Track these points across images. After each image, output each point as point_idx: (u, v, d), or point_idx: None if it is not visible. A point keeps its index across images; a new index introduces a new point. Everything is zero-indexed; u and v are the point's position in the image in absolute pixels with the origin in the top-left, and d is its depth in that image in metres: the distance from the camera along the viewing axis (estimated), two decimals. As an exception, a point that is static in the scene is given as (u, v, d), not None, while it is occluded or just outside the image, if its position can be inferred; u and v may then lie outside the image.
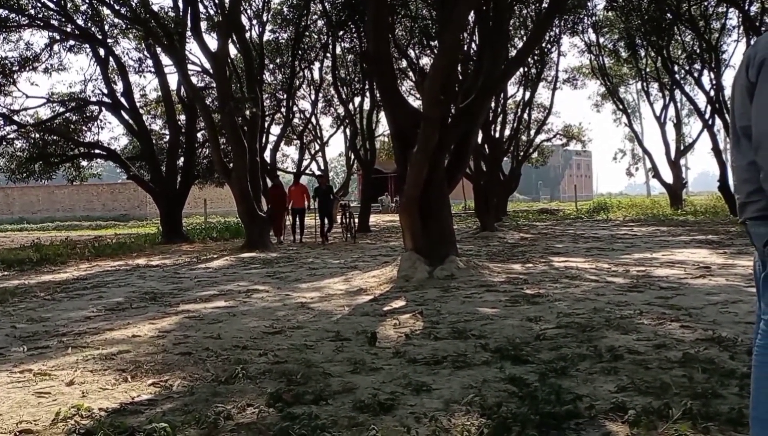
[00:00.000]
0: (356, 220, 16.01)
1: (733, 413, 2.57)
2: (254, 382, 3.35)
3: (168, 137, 19.25)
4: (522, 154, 26.08)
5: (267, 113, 21.96)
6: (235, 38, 15.23)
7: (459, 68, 15.50)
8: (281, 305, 6.09)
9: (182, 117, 19.35)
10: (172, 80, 18.67)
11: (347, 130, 26.31)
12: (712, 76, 21.55)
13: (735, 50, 31.96)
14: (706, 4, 20.40)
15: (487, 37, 10.72)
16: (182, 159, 18.84)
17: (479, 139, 18.11)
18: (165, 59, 17.33)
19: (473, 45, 16.39)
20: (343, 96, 21.74)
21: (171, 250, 14.15)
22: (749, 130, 1.93)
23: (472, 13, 12.88)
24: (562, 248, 11.00)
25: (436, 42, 16.32)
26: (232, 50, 17.28)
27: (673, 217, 20.51)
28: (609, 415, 2.69)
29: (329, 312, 5.56)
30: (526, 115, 24.71)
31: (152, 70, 18.94)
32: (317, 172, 24.47)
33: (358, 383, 3.27)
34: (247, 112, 13.94)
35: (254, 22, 20.08)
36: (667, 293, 5.77)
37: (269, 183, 17.38)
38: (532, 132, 26.78)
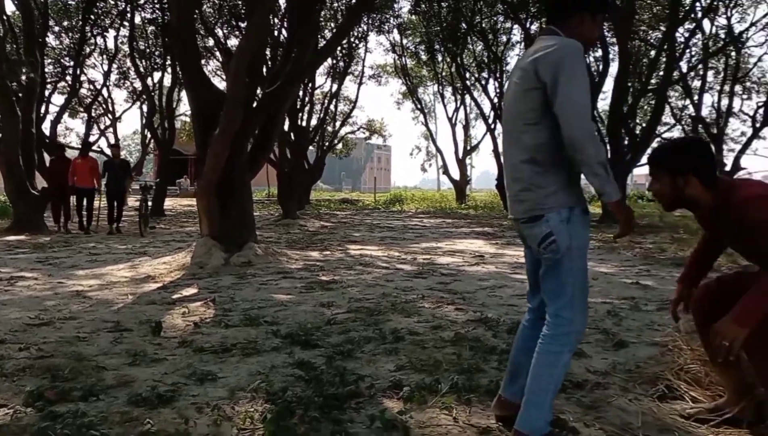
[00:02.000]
0: (150, 203, 13.11)
1: (491, 385, 2.88)
2: (11, 380, 2.96)
3: None
4: (327, 144, 26.56)
5: (48, 80, 19.46)
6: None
7: (268, 53, 15.28)
8: (52, 293, 5.46)
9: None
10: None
11: (144, 107, 24.39)
12: (497, 84, 23.98)
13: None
14: (495, 18, 22.57)
15: (297, 24, 10.69)
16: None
17: (286, 127, 18.06)
18: None
19: (283, 31, 16.23)
20: (141, 69, 20.10)
21: None
22: (530, 129, 2.14)
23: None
24: (359, 237, 11.44)
25: (245, 23, 15.83)
26: (9, 6, 15.02)
27: (458, 210, 22.48)
28: (387, 392, 2.85)
29: (109, 301, 5.12)
30: (332, 107, 25.21)
31: None
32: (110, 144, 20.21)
33: (137, 375, 3.07)
34: (24, 78, 12.24)
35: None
36: (446, 278, 6.30)
37: (47, 159, 15.21)
38: (338, 124, 27.42)
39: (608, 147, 16.14)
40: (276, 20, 16.08)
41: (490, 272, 6.81)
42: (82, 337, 3.84)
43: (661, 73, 16.60)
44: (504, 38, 24.02)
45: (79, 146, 14.07)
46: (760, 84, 23.83)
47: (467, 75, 25.21)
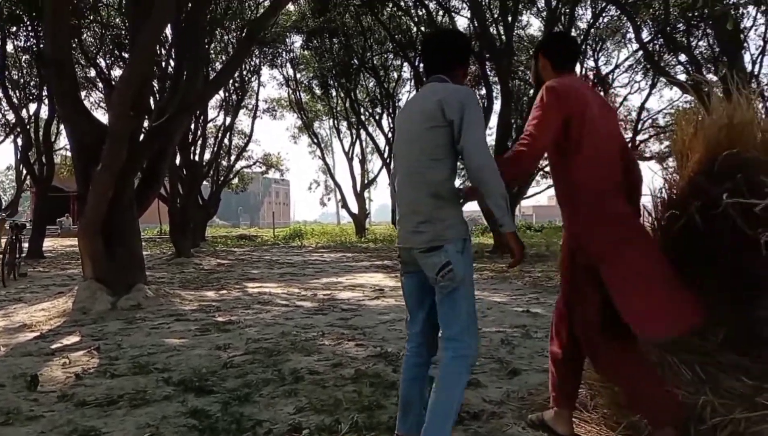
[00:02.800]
0: (21, 245, 11.12)
1: (391, 422, 2.88)
2: None
3: None
4: (222, 179, 25.94)
5: None
6: None
7: (156, 85, 14.79)
8: None
9: None
10: None
11: (18, 140, 22.64)
12: (390, 120, 24.65)
13: (408, 99, 37.16)
14: (386, 56, 23.31)
15: (185, 55, 10.43)
16: None
17: (177, 161, 17.45)
18: None
19: (171, 62, 15.81)
20: (15, 100, 18.73)
21: None
22: (435, 165, 2.31)
23: (170, 29, 12.44)
24: (258, 274, 11.20)
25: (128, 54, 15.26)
26: None
27: (358, 244, 22.63)
28: (286, 436, 2.79)
29: (-23, 355, 4.65)
30: (226, 141, 24.71)
31: None
32: None
33: (10, 435, 2.80)
34: None
35: None
36: (347, 314, 6.29)
37: None
38: (233, 157, 26.89)
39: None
40: (163, 51, 15.66)
41: (390, 306, 6.88)
42: (-58, 398, 3.45)
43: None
44: (395, 75, 24.81)
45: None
46: (627, 121, 26.18)
47: (361, 110, 25.72)
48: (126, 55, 16.08)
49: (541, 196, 59.07)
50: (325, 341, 4.88)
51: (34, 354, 4.64)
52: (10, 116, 21.28)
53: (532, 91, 18.87)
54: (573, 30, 18.77)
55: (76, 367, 4.17)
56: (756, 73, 16.06)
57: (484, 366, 4.00)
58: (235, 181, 29.93)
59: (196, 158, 20.35)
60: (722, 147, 2.75)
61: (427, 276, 2.33)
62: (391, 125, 24.41)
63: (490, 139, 21.39)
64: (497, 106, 17.94)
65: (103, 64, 18.11)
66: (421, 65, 15.80)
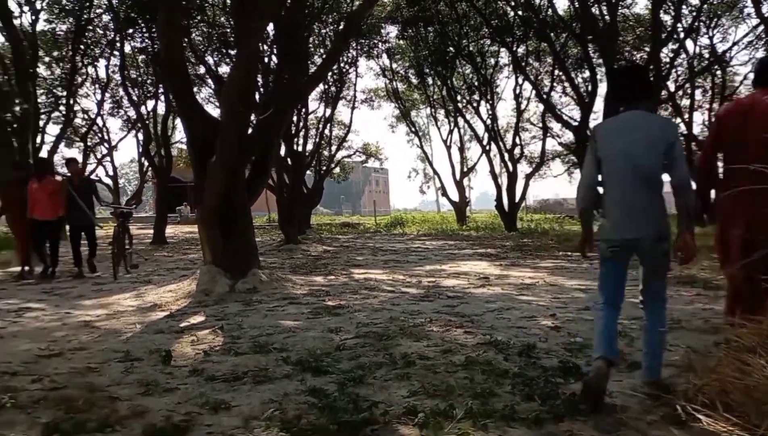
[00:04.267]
0: (131, 234, 10.22)
1: (507, 410, 2.88)
2: (25, 411, 2.95)
3: None
4: (324, 168, 26.67)
5: (42, 111, 19.59)
6: (0, 24, 13.41)
7: (260, 79, 15.41)
8: (60, 324, 5.45)
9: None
10: None
11: (140, 135, 24.51)
12: (488, 106, 24.19)
13: (506, 85, 36.18)
14: (482, 42, 22.86)
15: (287, 51, 10.82)
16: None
17: (282, 152, 18.15)
18: None
19: (273, 58, 16.39)
20: (134, 98, 20.24)
21: None
22: (658, 176, 3.08)
23: (271, 26, 12.90)
24: (363, 261, 11.44)
25: (234, 51, 16.00)
26: (-1, 38, 15.18)
27: (459, 232, 22.48)
28: (401, 419, 2.84)
29: (118, 331, 5.11)
30: (327, 131, 25.34)
31: None
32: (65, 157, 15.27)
33: (151, 405, 3.06)
34: (17, 109, 12.32)
35: (25, 8, 17.59)
36: (453, 301, 6.30)
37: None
38: (334, 148, 27.55)
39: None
40: (266, 47, 16.26)
41: (497, 294, 6.81)
42: (93, 368, 3.83)
43: (649, 91, 16.78)
44: (492, 61, 24.29)
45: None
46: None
47: (458, 97, 25.43)
48: (232, 52, 16.91)
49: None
50: (433, 327, 4.92)
51: (165, 331, 5.03)
52: (131, 112, 23.12)
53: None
54: (684, 7, 17.52)
55: (204, 344, 4.48)
56: None
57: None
58: (337, 170, 30.66)
59: (300, 149, 21.06)
60: None
61: (643, 258, 3.18)
62: (489, 112, 23.97)
63: (595, 123, 20.50)
64: (602, 89, 17.10)
65: (211, 61, 19.13)
66: (519, 49, 15.27)
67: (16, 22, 14.97)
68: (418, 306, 6.02)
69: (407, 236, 20.77)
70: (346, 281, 8.24)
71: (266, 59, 16.37)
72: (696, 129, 22.13)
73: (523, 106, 24.45)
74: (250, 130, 8.50)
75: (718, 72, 20.73)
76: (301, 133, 21.35)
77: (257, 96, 12.52)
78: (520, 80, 23.24)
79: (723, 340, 3.36)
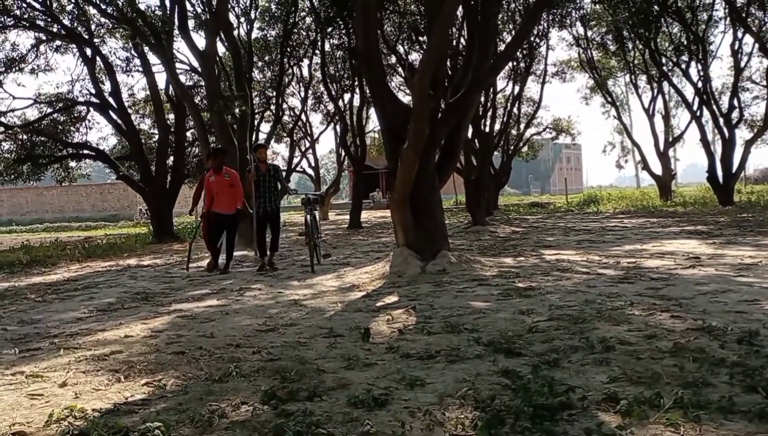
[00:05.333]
0: (319, 224, 9.38)
1: (724, 402, 2.59)
2: (248, 380, 3.35)
3: (157, 136, 19.20)
4: (512, 148, 26.14)
5: (256, 111, 21.90)
6: (223, 36, 15.17)
7: (448, 63, 15.52)
8: (274, 302, 6.09)
9: (171, 116, 19.30)
10: (161, 79, 18.56)
11: (337, 127, 26.28)
12: (700, 67, 21.67)
13: (722, 41, 32.25)
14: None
15: (476, 31, 10.66)
16: (172, 158, 18.80)
17: (469, 134, 18.16)
18: (153, 58, 17.28)
19: (462, 40, 16.37)
20: (333, 93, 21.69)
21: (162, 249, 14.10)
22: None
23: (460, 8, 12.88)
24: (553, 241, 11.05)
25: (424, 37, 16.30)
26: (221, 48, 17.25)
27: (663, 208, 20.64)
28: (601, 405, 2.70)
29: (322, 309, 5.56)
30: (515, 110, 24.74)
31: (140, 69, 18.88)
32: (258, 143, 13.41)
33: (352, 378, 3.28)
34: (237, 111, 13.90)
35: (242, 19, 19.92)
36: (657, 283, 5.81)
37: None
38: (522, 126, 26.85)
39: None
40: (455, 29, 16.28)
41: (710, 275, 6.14)
42: (302, 342, 4.22)
43: None
44: (705, 15, 21.62)
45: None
46: None
47: (663, 60, 23.14)
48: (422, 39, 17.26)
49: None
50: (635, 311, 4.59)
51: (363, 310, 5.36)
52: (330, 107, 24.84)
53: None
54: None
55: (398, 323, 4.69)
56: None
57: None
58: (525, 149, 29.89)
59: (487, 129, 20.87)
60: None
61: None
62: (701, 74, 21.48)
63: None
64: None
65: (401, 50, 19.76)
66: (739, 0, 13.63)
67: (235, 33, 16.90)
68: (617, 288, 5.65)
69: (602, 215, 19.58)
70: (536, 263, 8.02)
71: (454, 42, 16.44)
72: None
73: (743, 64, 21.52)
74: (439, 115, 8.63)
75: None
76: (489, 114, 21.14)
77: (446, 80, 12.66)
78: (739, 34, 20.47)
79: None
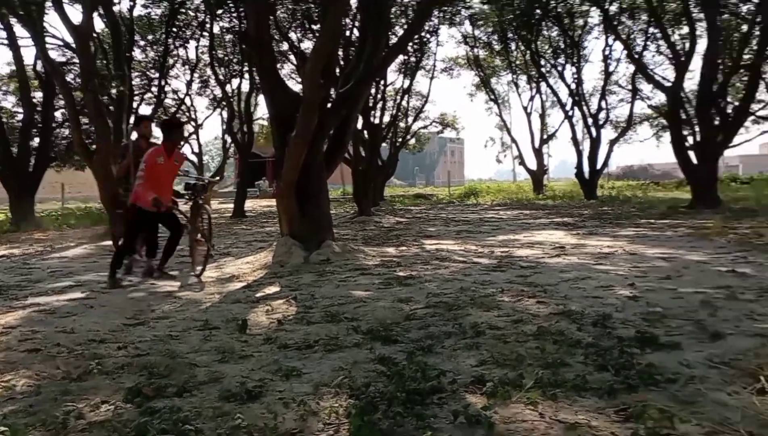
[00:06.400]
0: (210, 216, 7.10)
1: (578, 380, 2.80)
2: (111, 377, 3.15)
3: (21, 116, 17.62)
4: (400, 140, 26.61)
5: (136, 93, 20.62)
6: (102, 11, 14.11)
7: (341, 53, 15.48)
8: (145, 294, 5.78)
9: (39, 94, 17.77)
10: (28, 54, 17.02)
11: (224, 113, 25.39)
12: (574, 70, 23.25)
13: (595, 47, 34.66)
14: (571, 2, 21.85)
15: (369, 23, 10.71)
16: (37, 139, 17.35)
17: (359, 125, 18.27)
18: (21, 31, 15.70)
19: (355, 30, 16.39)
20: (221, 77, 20.93)
21: (21, 238, 12.93)
22: None
23: (353, -1, 12.87)
24: (434, 232, 11.40)
25: (318, 26, 16.13)
26: (99, 24, 16.04)
27: (536, 201, 21.96)
28: (469, 388, 2.82)
29: (198, 300, 5.35)
30: (405, 103, 25.20)
31: (5, 42, 17.12)
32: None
33: (226, 371, 3.18)
34: (114, 91, 13.00)
35: (125, -6, 18.56)
36: (526, 271, 6.16)
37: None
38: (410, 119, 27.41)
39: (697, 128, 15.29)
40: (348, 20, 16.27)
41: (572, 264, 6.60)
42: (174, 335, 4.03)
43: (755, 47, 15.50)
44: (581, 21, 23.21)
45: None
46: None
47: (542, 62, 24.55)
48: (315, 28, 17.06)
49: (750, 145, 52.09)
50: (505, 298, 4.84)
51: (242, 301, 5.22)
52: (217, 91, 23.91)
53: (745, 26, 16.47)
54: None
55: (278, 314, 4.61)
56: None
57: (682, 328, 3.68)
58: (412, 141, 30.54)
59: (376, 121, 21.09)
60: None
61: None
62: (575, 76, 23.03)
63: (692, 82, 19.22)
64: (701, 46, 15.91)
65: (294, 37, 19.41)
66: (612, 7, 14.59)
67: (115, 8, 15.73)
68: (490, 276, 5.93)
69: (481, 207, 20.49)
70: (417, 252, 8.23)
71: (348, 32, 16.40)
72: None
73: (612, 68, 23.36)
74: (329, 104, 8.58)
75: None
76: (379, 105, 21.35)
77: (337, 70, 12.60)
78: (610, 40, 22.19)
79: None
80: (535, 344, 3.46)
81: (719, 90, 15.27)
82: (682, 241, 8.37)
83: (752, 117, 21.65)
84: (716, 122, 14.92)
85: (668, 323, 3.84)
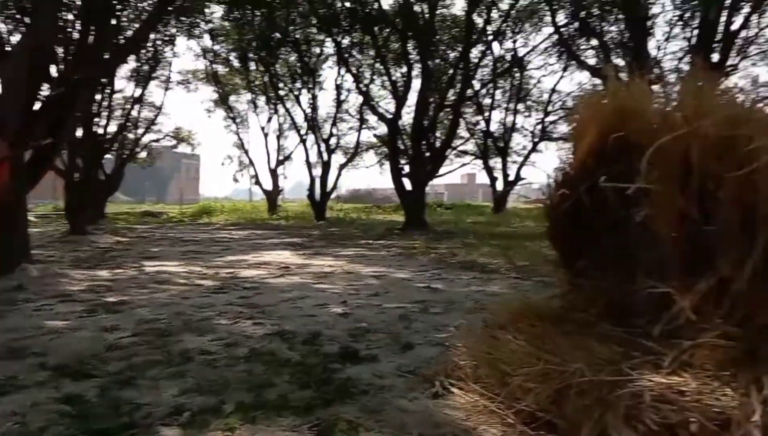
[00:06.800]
0: None
1: (279, 400, 2.84)
2: None
3: None
4: (128, 153, 24.58)
5: None
6: None
7: (60, 51, 13.68)
8: None
9: None
10: None
11: None
12: (310, 96, 24.26)
13: (329, 76, 36.63)
14: (308, 30, 22.76)
15: (93, 19, 9.68)
16: None
17: (79, 134, 16.35)
18: None
19: (77, 27, 14.67)
20: None
21: None
22: None
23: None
24: (158, 252, 10.73)
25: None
26: None
27: (269, 221, 22.23)
28: (165, 420, 2.66)
29: None
30: (135, 113, 23.39)
31: None
32: None
33: None
34: None
35: None
36: (248, 292, 6.13)
37: None
38: (141, 131, 25.53)
39: (410, 158, 17.19)
40: (71, 15, 14.51)
41: (294, 283, 6.78)
42: None
43: (457, 90, 18.12)
44: (317, 50, 24.34)
45: None
46: (538, 103, 27.23)
47: (281, 85, 25.11)
48: (27, 21, 14.78)
49: (453, 175, 60.68)
50: (222, 320, 4.73)
51: None
52: None
53: (451, 71, 19.05)
54: (495, 11, 19.08)
55: (-61, 353, 3.80)
56: (659, 59, 16.68)
57: (380, 341, 4.01)
58: (143, 155, 28.50)
59: (100, 130, 19.18)
60: (613, 130, 2.87)
61: None
62: (311, 102, 24.00)
63: (408, 117, 21.55)
64: (416, 84, 18.02)
65: (3, 27, 16.56)
66: (344, 40, 15.49)
67: None
68: (211, 299, 5.76)
69: (213, 226, 20.02)
70: (134, 275, 7.62)
71: (68, 29, 14.56)
72: (493, 126, 24.36)
73: (343, 97, 24.88)
74: (38, 106, 7.48)
75: (517, 75, 22.98)
76: (104, 114, 19.42)
77: (54, 69, 11.10)
78: (342, 71, 23.61)
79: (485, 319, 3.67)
80: (245, 366, 3.44)
81: (429, 125, 17.45)
82: (393, 260, 9.24)
83: (454, 151, 25.25)
84: (426, 154, 16.98)
85: (370, 337, 4.16)
